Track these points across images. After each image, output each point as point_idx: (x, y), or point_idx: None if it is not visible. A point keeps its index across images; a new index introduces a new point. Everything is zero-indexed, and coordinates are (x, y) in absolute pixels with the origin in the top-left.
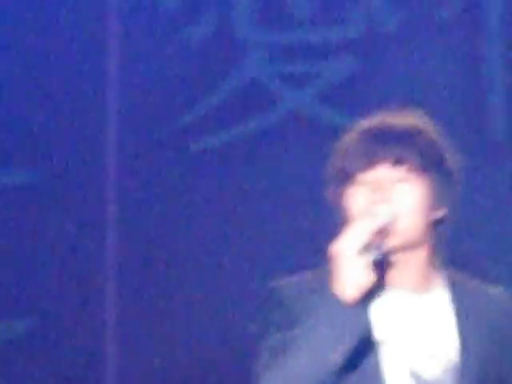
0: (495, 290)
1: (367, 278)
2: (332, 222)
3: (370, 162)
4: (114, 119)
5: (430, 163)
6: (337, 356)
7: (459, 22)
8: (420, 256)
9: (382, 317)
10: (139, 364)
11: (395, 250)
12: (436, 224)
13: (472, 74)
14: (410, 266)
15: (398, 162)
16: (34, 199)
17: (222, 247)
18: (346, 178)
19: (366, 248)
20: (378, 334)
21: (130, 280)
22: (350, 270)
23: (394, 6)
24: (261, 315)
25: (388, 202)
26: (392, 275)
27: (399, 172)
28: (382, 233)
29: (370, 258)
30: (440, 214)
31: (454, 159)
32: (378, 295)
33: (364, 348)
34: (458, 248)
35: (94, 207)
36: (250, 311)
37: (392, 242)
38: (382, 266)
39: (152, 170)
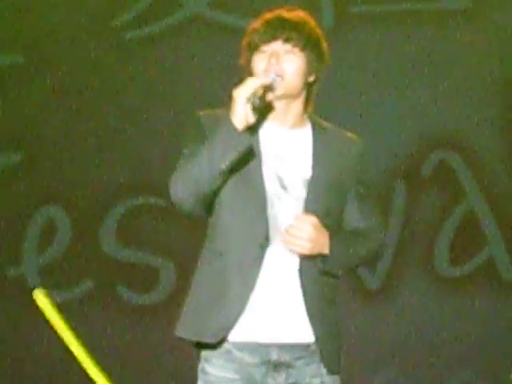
0: (347, 133)
1: (250, 116)
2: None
3: (269, 37)
4: None
5: (308, 44)
6: (225, 163)
7: None
8: (297, 104)
9: (265, 142)
10: None
11: (281, 98)
12: (309, 85)
13: None
14: (291, 110)
15: (287, 40)
16: None
17: None
18: (253, 48)
19: (255, 96)
20: (262, 154)
21: None
22: (239, 110)
23: None
24: (186, 132)
25: (278, 64)
26: (278, 116)
27: (287, 47)
28: (268, 88)
29: (255, 103)
30: (312, 78)
31: (325, 43)
32: (265, 129)
33: (247, 162)
34: None
35: None
36: None
37: (279, 91)
38: (271, 109)
39: None
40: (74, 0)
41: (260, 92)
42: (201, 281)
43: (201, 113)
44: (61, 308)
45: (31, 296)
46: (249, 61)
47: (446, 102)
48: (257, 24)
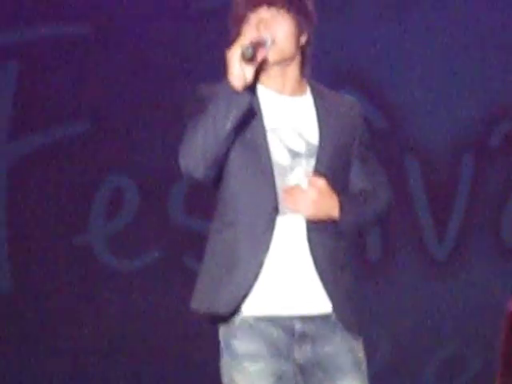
0: (344, 95)
1: (247, 72)
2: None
3: (253, 5)
4: None
5: (293, 5)
6: (229, 123)
7: None
8: (293, 69)
9: (268, 110)
10: None
11: (274, 62)
12: (302, 47)
13: None
14: (288, 76)
15: (270, 4)
16: None
17: None
18: (239, 20)
19: (248, 48)
20: (265, 122)
21: None
22: (235, 67)
23: None
24: (188, 108)
25: (267, 30)
26: (276, 83)
27: (273, 11)
28: (259, 43)
29: (248, 53)
30: (303, 39)
31: (310, 4)
32: (266, 98)
33: (251, 129)
34: None
35: None
36: None
37: (272, 56)
38: (266, 68)
39: None
40: None
41: (252, 45)
42: (212, 252)
43: (200, 86)
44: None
45: (98, 264)
46: (238, 35)
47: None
48: None
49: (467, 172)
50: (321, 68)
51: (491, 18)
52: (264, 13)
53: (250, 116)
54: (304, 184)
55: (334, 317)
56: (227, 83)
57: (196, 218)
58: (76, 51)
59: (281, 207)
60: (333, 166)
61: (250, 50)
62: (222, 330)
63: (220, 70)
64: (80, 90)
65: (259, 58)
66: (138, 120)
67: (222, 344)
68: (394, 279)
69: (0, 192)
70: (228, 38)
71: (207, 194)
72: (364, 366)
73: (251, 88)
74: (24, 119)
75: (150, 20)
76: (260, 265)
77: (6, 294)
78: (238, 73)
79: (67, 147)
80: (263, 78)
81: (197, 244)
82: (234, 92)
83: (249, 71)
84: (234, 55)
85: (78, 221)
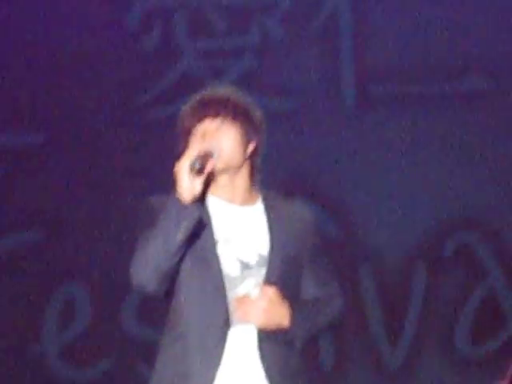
0: (296, 202)
1: (195, 184)
2: None
3: (197, 118)
4: None
5: (238, 115)
6: (180, 236)
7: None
8: (242, 177)
9: (218, 221)
10: None
11: (222, 172)
12: (250, 155)
13: None
14: (237, 185)
15: (214, 116)
16: None
17: None
18: (186, 133)
19: (196, 161)
20: (216, 233)
21: None
22: (184, 180)
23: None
24: (138, 220)
25: (212, 141)
26: (226, 193)
27: (217, 122)
28: (206, 155)
29: (196, 165)
30: (251, 148)
31: (256, 112)
32: (216, 209)
33: (201, 242)
34: None
35: None
36: None
37: (218, 165)
38: (214, 178)
39: None
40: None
41: (199, 158)
42: (163, 364)
43: (150, 198)
44: None
45: (51, 375)
46: (186, 147)
47: (465, 181)
48: (184, 110)
49: (421, 280)
50: (273, 175)
51: (448, 119)
52: (209, 124)
53: (200, 227)
54: (254, 294)
55: None
56: (176, 196)
57: (149, 326)
58: (28, 163)
59: (231, 318)
60: (284, 274)
61: (198, 163)
62: None
63: (168, 181)
64: (32, 200)
65: (207, 169)
66: (92, 230)
67: None
68: None
69: None
70: (176, 149)
71: (160, 303)
72: None
73: (201, 199)
74: None
75: (99, 128)
76: (212, 379)
77: None
78: (187, 185)
79: (19, 257)
80: (212, 187)
81: (150, 353)
82: (184, 205)
83: (197, 183)
84: (183, 168)
85: (31, 330)
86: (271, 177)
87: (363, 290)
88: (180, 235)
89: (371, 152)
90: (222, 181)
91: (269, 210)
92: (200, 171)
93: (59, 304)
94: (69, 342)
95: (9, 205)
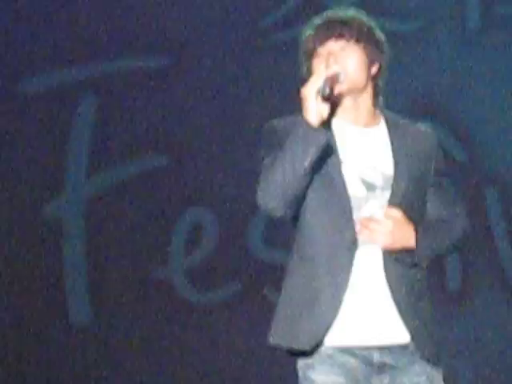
0: (419, 124)
1: (323, 109)
2: None
3: (321, 39)
4: None
5: (361, 36)
6: (308, 160)
7: None
8: (365, 99)
9: (343, 143)
10: None
11: (347, 94)
12: (374, 77)
13: None
14: (360, 107)
15: (339, 36)
16: None
17: None
18: (309, 54)
19: (324, 87)
20: (340, 155)
21: None
22: (312, 105)
23: None
24: (262, 144)
25: (336, 62)
26: (349, 115)
27: (341, 43)
28: (333, 79)
29: (325, 92)
30: (374, 69)
31: (379, 33)
32: (340, 131)
33: (328, 164)
34: None
35: None
36: None
37: (343, 88)
38: (340, 102)
39: None
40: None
41: (327, 82)
42: (291, 287)
43: (273, 121)
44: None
45: (177, 298)
46: (309, 69)
47: None
48: (306, 31)
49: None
50: (398, 99)
51: None
52: (333, 46)
53: (327, 150)
54: (378, 216)
55: (412, 347)
56: (303, 120)
57: (275, 249)
58: (153, 83)
59: (357, 239)
60: (408, 196)
61: (328, 89)
62: (301, 362)
63: (292, 103)
64: (157, 123)
65: (335, 92)
66: (216, 152)
67: (301, 376)
68: (474, 309)
69: (79, 226)
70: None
71: (286, 225)
72: None
73: (327, 123)
74: (102, 154)
75: (223, 52)
76: (340, 300)
77: (85, 326)
78: (316, 110)
79: (145, 181)
80: (337, 110)
81: (277, 276)
82: (312, 128)
83: (325, 107)
84: (310, 93)
85: (158, 254)
86: (393, 99)
87: (490, 213)
88: (308, 159)
89: (496, 75)
90: (346, 103)
91: (392, 131)
92: (329, 95)
93: (186, 227)
94: (195, 265)
95: (133, 130)
